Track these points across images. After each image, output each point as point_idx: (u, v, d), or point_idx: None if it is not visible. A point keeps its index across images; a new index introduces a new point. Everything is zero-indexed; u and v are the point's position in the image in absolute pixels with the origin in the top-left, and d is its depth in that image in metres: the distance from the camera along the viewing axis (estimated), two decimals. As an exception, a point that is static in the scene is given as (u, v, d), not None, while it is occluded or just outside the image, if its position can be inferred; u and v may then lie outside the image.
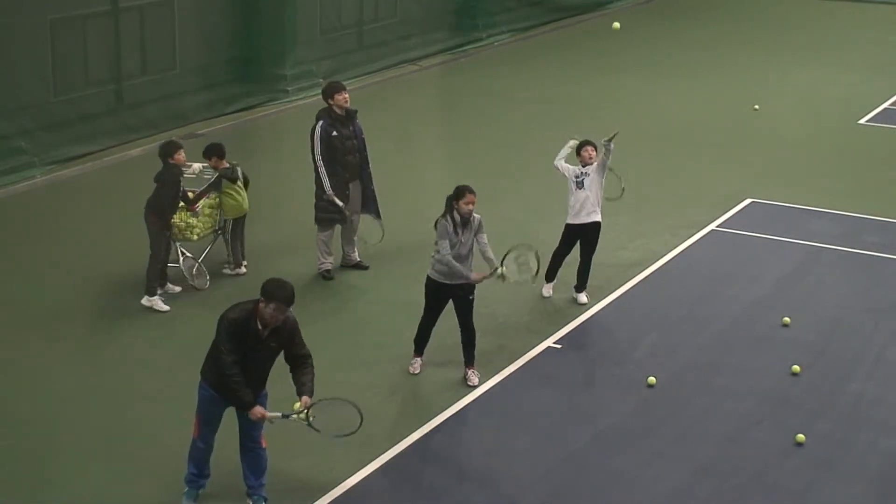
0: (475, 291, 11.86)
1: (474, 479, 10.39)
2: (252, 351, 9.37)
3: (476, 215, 11.73)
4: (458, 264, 11.59)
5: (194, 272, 13.86)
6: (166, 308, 13.30)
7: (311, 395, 9.50)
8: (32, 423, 11.05)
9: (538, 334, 12.95)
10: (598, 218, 13.84)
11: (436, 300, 11.92)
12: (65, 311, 13.42)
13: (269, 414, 9.47)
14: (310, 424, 9.43)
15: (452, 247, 11.61)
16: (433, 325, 12.03)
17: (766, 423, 11.30)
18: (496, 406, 11.57)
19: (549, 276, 13.92)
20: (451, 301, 11.92)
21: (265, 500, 9.74)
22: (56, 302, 13.61)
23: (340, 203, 14.02)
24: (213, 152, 14.17)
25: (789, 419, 11.34)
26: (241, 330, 9.32)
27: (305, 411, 9.39)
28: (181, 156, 13.47)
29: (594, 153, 13.71)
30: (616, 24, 14.03)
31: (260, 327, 9.36)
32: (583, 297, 13.83)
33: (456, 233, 11.62)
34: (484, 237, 11.81)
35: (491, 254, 11.84)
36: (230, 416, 9.68)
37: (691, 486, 10.28)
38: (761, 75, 25.21)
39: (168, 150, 13.55)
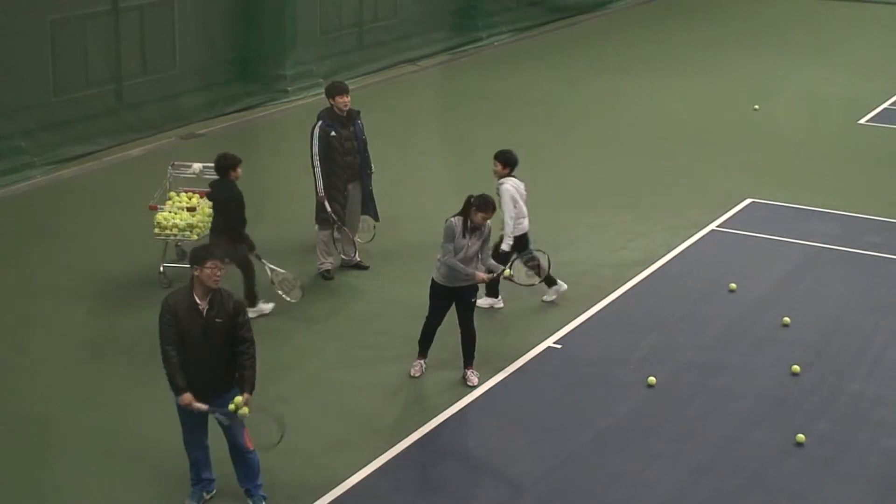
0: (477, 294, 11.85)
1: (474, 478, 10.39)
2: (196, 330, 9.25)
3: (487, 222, 11.73)
4: (461, 266, 11.56)
5: (287, 285, 13.45)
6: (270, 306, 13.29)
7: (251, 391, 9.36)
8: (32, 423, 11.05)
9: (538, 334, 12.95)
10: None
11: (441, 303, 11.86)
12: (65, 311, 13.42)
13: (196, 404, 9.30)
14: (229, 423, 9.38)
15: (458, 251, 11.56)
16: (438, 326, 11.97)
17: (766, 423, 11.30)
18: (496, 406, 11.57)
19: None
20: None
21: (264, 498, 9.73)
22: (55, 302, 13.62)
23: (329, 208, 13.98)
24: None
25: (789, 419, 11.34)
26: (178, 308, 9.26)
27: (236, 410, 9.24)
28: (240, 170, 13.02)
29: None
30: None
31: (198, 300, 9.28)
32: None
33: (464, 236, 11.58)
34: (489, 246, 11.81)
35: (492, 262, 11.85)
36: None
37: (691, 486, 10.28)
38: (761, 75, 25.22)
39: (231, 162, 12.95)
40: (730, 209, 16.87)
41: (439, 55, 26.27)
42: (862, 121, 21.87)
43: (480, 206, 11.55)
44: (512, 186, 13.16)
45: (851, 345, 12.95)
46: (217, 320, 9.30)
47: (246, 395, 9.32)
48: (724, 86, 24.31)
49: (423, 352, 12.07)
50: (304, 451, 10.60)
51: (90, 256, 14.94)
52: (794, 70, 25.75)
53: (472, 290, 11.79)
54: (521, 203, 13.23)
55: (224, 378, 9.42)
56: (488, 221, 11.69)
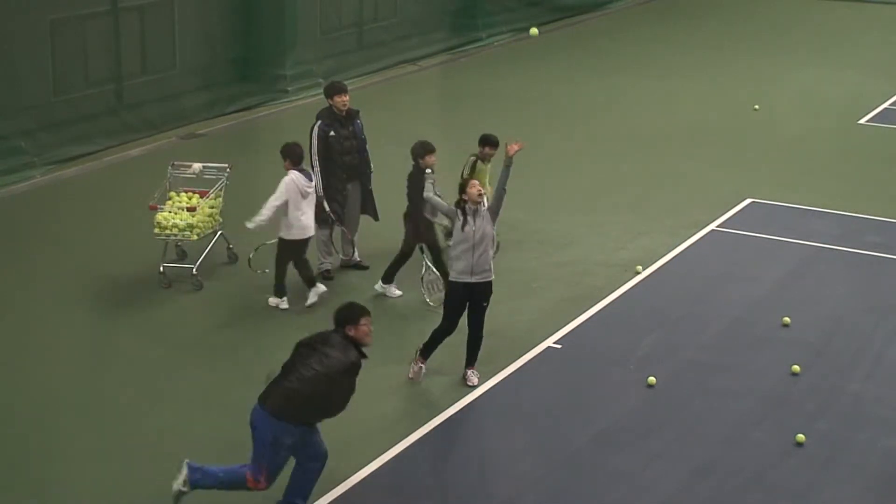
0: (490, 298, 11.80)
1: (474, 479, 10.39)
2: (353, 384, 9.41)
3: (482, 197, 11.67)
4: (438, 199, 11.82)
5: (434, 287, 13.63)
6: (399, 293, 13.78)
7: None
8: (33, 423, 11.05)
9: (538, 334, 12.95)
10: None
11: (456, 305, 11.72)
12: (65, 311, 13.42)
13: None
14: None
15: (465, 241, 11.47)
16: (450, 333, 11.81)
17: (766, 423, 11.30)
18: (496, 406, 11.57)
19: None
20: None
21: None
22: (56, 302, 13.62)
23: (328, 208, 13.97)
24: (485, 142, 14.70)
25: (789, 419, 11.34)
26: (355, 368, 9.34)
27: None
28: (432, 158, 13.33)
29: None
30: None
31: (359, 353, 9.41)
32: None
33: (465, 219, 11.52)
34: (501, 194, 11.71)
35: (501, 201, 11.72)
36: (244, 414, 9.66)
37: (691, 487, 10.28)
38: (761, 75, 25.22)
39: (426, 149, 13.50)
40: (730, 209, 16.87)
41: (439, 55, 26.27)
42: (862, 121, 21.87)
43: (462, 188, 11.62)
44: (292, 179, 13.13)
45: (851, 345, 12.95)
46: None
47: None
48: (724, 86, 24.31)
49: (425, 356, 11.95)
50: (304, 451, 10.60)
51: (90, 256, 14.93)
52: (794, 70, 25.75)
53: (484, 293, 11.73)
54: (303, 201, 13.19)
55: None
56: (484, 198, 11.59)
